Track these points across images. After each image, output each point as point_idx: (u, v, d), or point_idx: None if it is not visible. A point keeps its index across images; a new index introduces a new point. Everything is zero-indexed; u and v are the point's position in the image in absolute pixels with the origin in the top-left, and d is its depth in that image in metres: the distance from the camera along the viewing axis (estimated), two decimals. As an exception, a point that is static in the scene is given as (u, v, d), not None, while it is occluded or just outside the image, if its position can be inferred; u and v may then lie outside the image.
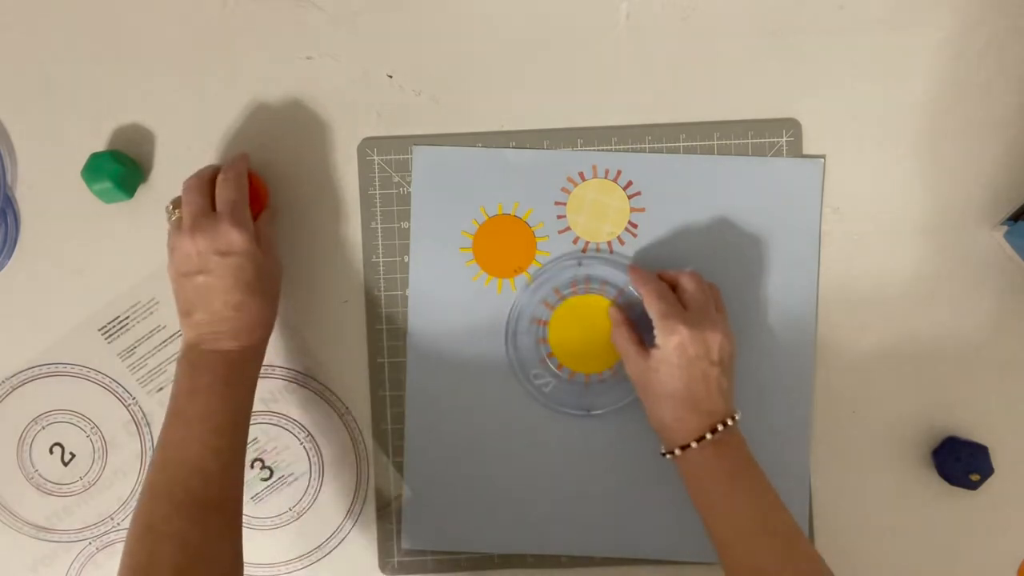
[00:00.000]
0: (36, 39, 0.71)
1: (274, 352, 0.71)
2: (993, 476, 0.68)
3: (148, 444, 0.72)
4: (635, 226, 0.70)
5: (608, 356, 0.70)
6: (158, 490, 0.58)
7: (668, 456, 0.63)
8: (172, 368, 0.71)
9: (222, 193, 0.64)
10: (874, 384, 0.70)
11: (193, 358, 0.62)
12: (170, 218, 0.66)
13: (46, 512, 0.72)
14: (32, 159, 0.71)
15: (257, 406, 0.71)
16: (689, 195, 0.69)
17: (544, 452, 0.70)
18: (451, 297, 0.70)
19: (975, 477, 0.67)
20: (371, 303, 0.71)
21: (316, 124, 0.71)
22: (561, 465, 0.70)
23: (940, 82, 0.69)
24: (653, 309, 0.63)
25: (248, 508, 0.72)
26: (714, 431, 0.61)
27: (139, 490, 0.60)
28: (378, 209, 0.71)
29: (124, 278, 0.71)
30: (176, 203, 0.65)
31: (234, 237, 0.61)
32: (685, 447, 0.61)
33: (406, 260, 0.71)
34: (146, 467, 0.72)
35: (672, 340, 0.61)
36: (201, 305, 0.62)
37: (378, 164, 0.71)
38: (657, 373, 0.62)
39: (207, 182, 0.65)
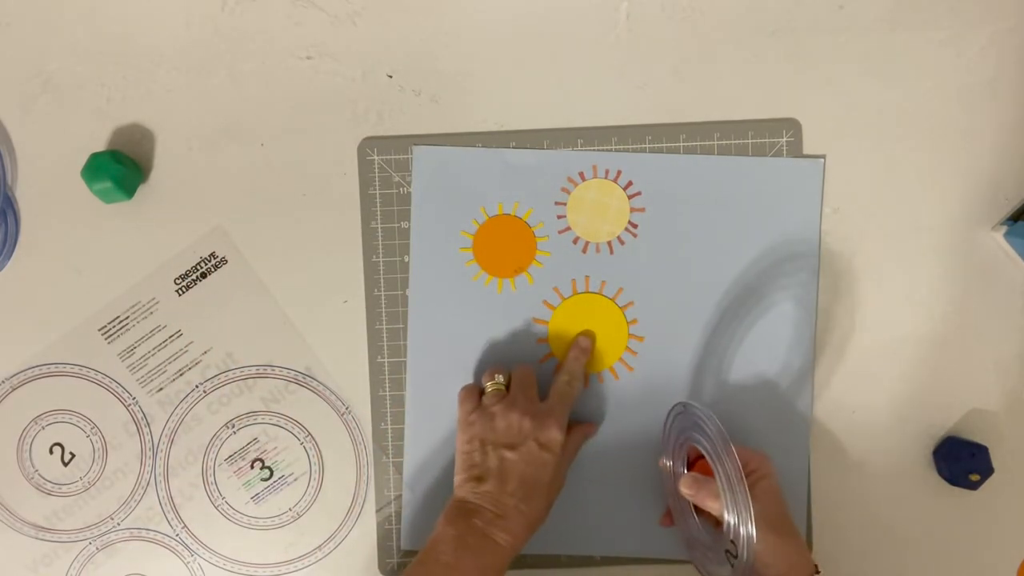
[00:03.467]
0: (36, 39, 0.71)
1: (274, 352, 0.71)
2: (993, 476, 0.68)
3: (148, 444, 0.72)
4: (635, 226, 0.70)
5: (608, 356, 0.70)
6: None
7: None
8: (172, 368, 0.71)
9: (563, 393, 0.66)
10: (874, 384, 0.70)
11: (464, 530, 0.61)
12: (492, 383, 0.66)
13: (46, 512, 0.72)
14: (32, 159, 0.71)
15: (257, 406, 0.71)
16: (689, 195, 0.70)
17: (544, 452, 0.70)
18: (451, 297, 0.70)
19: (975, 477, 0.67)
20: (371, 303, 0.71)
21: (316, 124, 0.71)
22: (561, 465, 0.70)
23: (940, 82, 0.69)
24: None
25: (248, 508, 0.72)
26: None
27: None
28: (378, 209, 0.71)
29: (124, 278, 0.71)
30: (501, 373, 0.67)
31: (555, 436, 0.63)
32: None
33: (406, 260, 0.71)
34: (146, 467, 0.72)
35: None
36: (497, 478, 0.62)
37: (378, 164, 0.71)
38: None
39: (537, 379, 0.67)
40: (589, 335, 0.69)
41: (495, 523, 0.61)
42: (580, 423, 0.69)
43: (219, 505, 0.72)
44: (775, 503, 0.62)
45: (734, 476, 0.56)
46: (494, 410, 0.64)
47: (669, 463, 0.66)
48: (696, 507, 0.64)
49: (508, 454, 0.62)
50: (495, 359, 0.70)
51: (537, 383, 0.67)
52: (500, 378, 0.66)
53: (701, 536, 0.64)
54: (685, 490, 0.61)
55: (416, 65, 0.71)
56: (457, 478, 0.64)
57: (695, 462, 0.65)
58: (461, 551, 0.60)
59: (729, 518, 0.57)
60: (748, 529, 0.55)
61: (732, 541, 0.57)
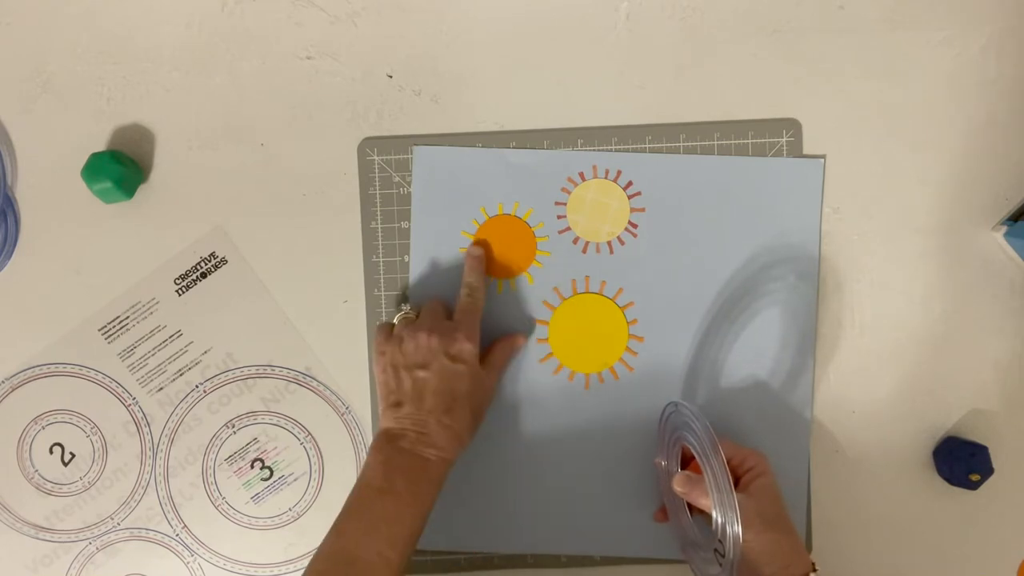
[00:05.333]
0: (36, 39, 0.71)
1: (274, 352, 0.71)
2: (993, 476, 0.68)
3: (148, 444, 0.72)
4: (635, 226, 0.70)
5: (608, 356, 0.70)
6: None
7: None
8: (172, 368, 0.71)
9: (465, 305, 0.66)
10: (874, 384, 0.70)
11: (390, 453, 0.62)
12: (400, 313, 0.68)
13: (46, 512, 0.72)
14: (32, 159, 0.71)
15: (257, 406, 0.71)
16: (689, 195, 0.69)
17: (544, 452, 0.70)
18: (451, 297, 0.70)
19: (975, 477, 0.67)
20: (371, 303, 0.71)
21: (316, 124, 0.71)
22: (561, 465, 0.70)
23: (940, 82, 0.69)
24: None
25: (248, 508, 0.72)
26: None
27: (311, 556, 0.60)
28: (378, 209, 0.71)
29: (124, 278, 0.71)
30: (410, 304, 0.68)
31: (465, 346, 0.64)
32: None
33: (406, 260, 0.71)
34: (146, 467, 0.72)
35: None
36: (413, 399, 0.63)
37: (378, 164, 0.71)
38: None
39: (447, 305, 0.68)
40: (481, 243, 0.70)
41: (420, 441, 0.62)
42: (507, 335, 0.69)
43: (219, 505, 0.72)
44: (771, 501, 0.62)
45: (721, 476, 0.57)
46: (402, 334, 0.65)
47: (663, 462, 0.66)
48: (691, 506, 0.64)
49: (420, 373, 0.63)
50: (495, 359, 0.69)
51: (449, 310, 0.67)
52: (407, 307, 0.68)
53: (694, 535, 0.65)
54: (678, 488, 0.62)
55: (416, 65, 0.71)
56: (379, 409, 0.65)
57: (690, 460, 0.65)
58: (391, 472, 0.61)
59: (717, 518, 0.57)
60: (735, 529, 0.55)
61: (720, 541, 0.57)
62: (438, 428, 0.62)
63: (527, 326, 0.70)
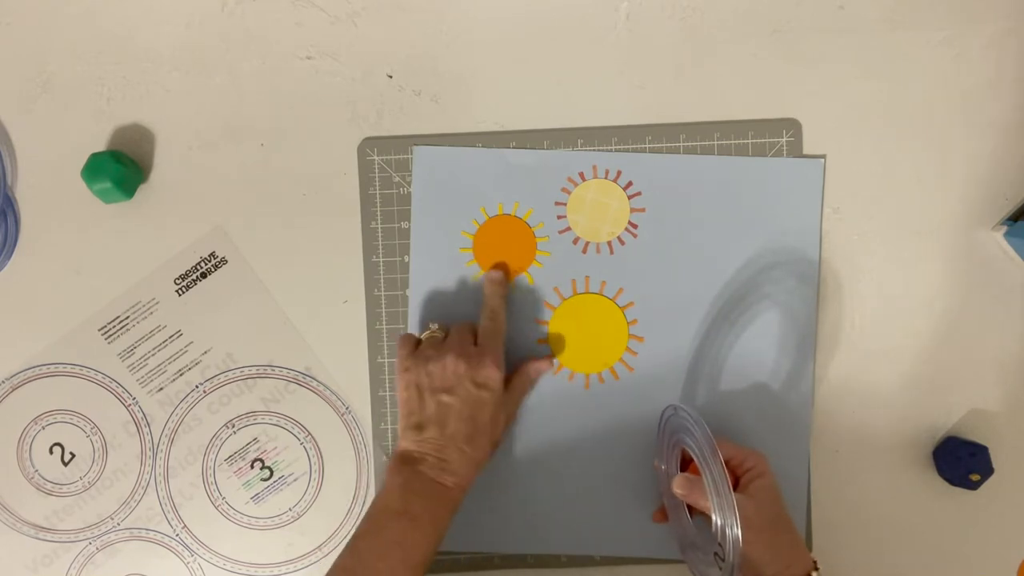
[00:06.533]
0: (36, 39, 0.71)
1: (274, 352, 0.71)
2: (993, 476, 0.68)
3: (148, 444, 0.72)
4: (635, 226, 0.70)
5: (608, 356, 0.70)
6: None
7: None
8: (172, 368, 0.71)
9: (488, 330, 0.66)
10: (874, 384, 0.70)
11: (409, 476, 0.62)
12: (427, 331, 0.67)
13: (46, 512, 0.72)
14: (32, 159, 0.71)
15: (257, 406, 0.71)
16: (689, 195, 0.69)
17: (544, 452, 0.70)
18: (451, 297, 0.70)
19: (975, 477, 0.67)
20: (371, 303, 0.71)
21: (316, 124, 0.71)
22: (561, 465, 0.70)
23: (940, 82, 0.69)
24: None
25: (248, 508, 0.72)
26: None
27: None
28: (378, 209, 0.71)
29: (124, 278, 0.71)
30: (438, 324, 0.67)
31: (491, 373, 0.63)
32: None
33: (406, 260, 0.71)
34: (146, 467, 0.72)
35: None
36: (436, 423, 0.62)
37: (378, 164, 0.71)
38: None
39: (475, 327, 0.67)
40: (500, 266, 0.69)
41: (440, 467, 0.62)
42: (533, 358, 0.69)
43: (219, 505, 0.72)
44: (771, 501, 0.62)
45: (719, 480, 0.57)
46: (428, 354, 0.64)
47: (663, 465, 0.66)
48: (691, 507, 0.64)
49: (445, 397, 0.63)
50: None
51: (476, 333, 0.67)
52: (435, 326, 0.67)
53: (694, 537, 0.65)
54: (678, 490, 0.62)
55: (416, 65, 0.71)
56: (399, 427, 0.65)
57: (690, 462, 0.65)
58: (409, 496, 0.61)
59: (716, 521, 0.57)
60: (734, 532, 0.55)
61: (720, 544, 0.57)
62: (458, 455, 0.62)
63: (529, 327, 0.70)
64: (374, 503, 0.62)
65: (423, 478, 0.61)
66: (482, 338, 0.66)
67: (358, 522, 0.71)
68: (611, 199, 0.70)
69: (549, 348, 0.70)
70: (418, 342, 0.67)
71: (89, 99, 0.71)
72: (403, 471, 0.62)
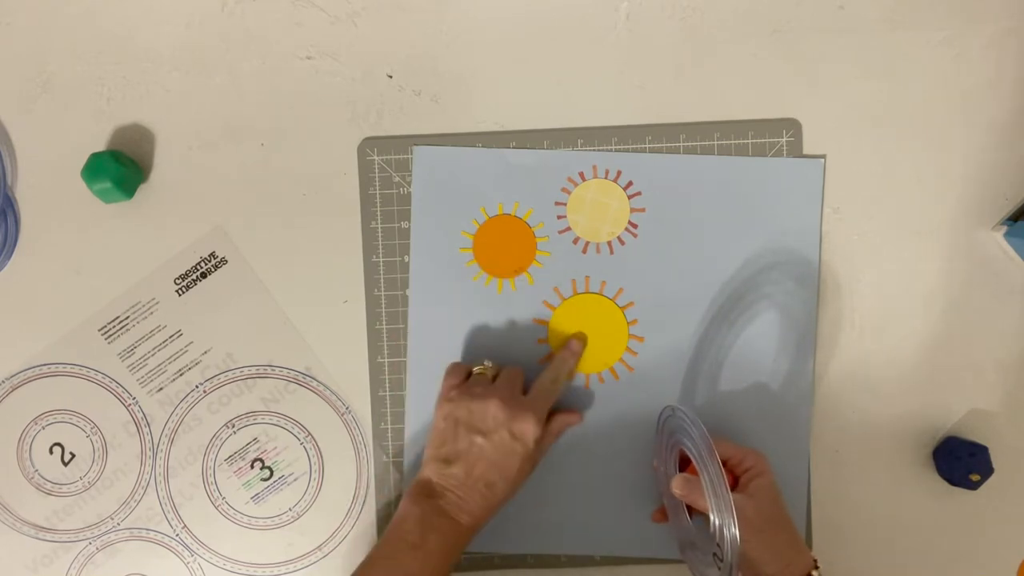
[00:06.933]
0: (36, 39, 0.71)
1: (274, 352, 0.71)
2: (993, 476, 0.68)
3: (148, 444, 0.72)
4: (635, 226, 0.70)
5: (608, 356, 0.70)
6: None
7: None
8: (172, 368, 0.71)
9: (544, 389, 0.66)
10: (874, 384, 0.70)
11: (428, 511, 0.62)
12: (479, 367, 0.67)
13: (46, 512, 0.72)
14: (32, 159, 0.71)
15: (257, 406, 0.71)
16: (689, 195, 0.70)
17: (544, 452, 0.70)
18: (451, 297, 0.70)
19: (975, 477, 0.67)
20: (371, 303, 0.71)
21: (316, 124, 0.71)
22: (561, 465, 0.70)
23: (940, 82, 0.69)
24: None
25: (248, 508, 0.72)
26: None
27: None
28: (378, 209, 0.71)
29: (124, 278, 0.71)
30: (492, 363, 0.68)
31: (530, 428, 0.63)
32: None
33: (406, 260, 0.71)
34: (146, 467, 0.72)
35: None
36: (464, 462, 0.63)
37: (378, 164, 0.71)
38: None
39: (526, 376, 0.67)
40: (581, 339, 0.69)
41: (459, 505, 0.62)
42: (563, 411, 0.69)
43: (219, 505, 0.72)
44: (770, 501, 0.62)
45: (717, 480, 0.57)
46: (475, 391, 0.64)
47: (662, 466, 0.66)
48: (691, 508, 0.64)
49: (479, 439, 0.63)
50: (495, 359, 0.69)
51: (524, 384, 0.67)
52: (489, 363, 0.67)
53: (693, 537, 0.65)
54: (677, 491, 0.62)
55: (416, 65, 0.71)
56: (427, 452, 0.65)
57: (690, 462, 0.65)
58: (427, 531, 0.61)
59: (714, 521, 0.57)
60: (731, 531, 0.55)
61: (719, 545, 0.57)
62: (479, 498, 0.62)
63: (529, 327, 0.70)
64: (391, 530, 0.62)
65: (442, 514, 0.62)
66: (534, 392, 0.66)
67: (356, 523, 0.71)
68: (611, 199, 0.70)
69: (549, 348, 0.70)
70: (468, 374, 0.67)
71: (89, 99, 0.71)
72: (422, 503, 0.62)
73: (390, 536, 0.62)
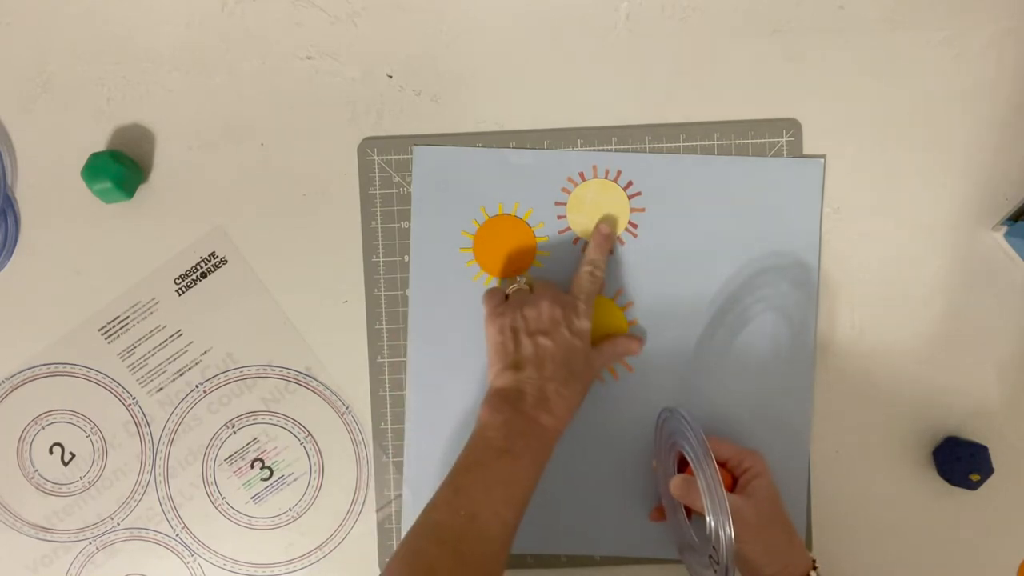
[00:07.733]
0: (36, 39, 0.71)
1: (274, 352, 0.71)
2: (993, 476, 0.68)
3: (148, 444, 0.72)
4: (635, 226, 0.70)
5: (608, 356, 0.70)
6: (443, 535, 0.57)
7: None
8: (172, 368, 0.71)
9: (585, 282, 0.66)
10: (874, 384, 0.70)
11: (510, 415, 0.61)
12: (513, 285, 0.67)
13: (46, 512, 0.72)
14: (32, 159, 0.71)
15: (257, 406, 0.71)
16: (689, 195, 0.69)
17: (544, 452, 0.70)
18: (451, 297, 0.70)
19: (975, 477, 0.67)
20: (371, 303, 0.71)
21: (316, 124, 0.71)
22: (561, 464, 0.70)
23: (940, 82, 0.69)
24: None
25: (248, 508, 0.72)
26: None
27: (419, 515, 0.58)
28: (378, 209, 0.71)
29: (124, 278, 0.71)
30: (525, 277, 0.68)
31: (584, 324, 0.64)
32: None
33: (406, 260, 0.71)
34: (146, 467, 0.72)
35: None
36: (534, 364, 0.62)
37: (378, 164, 0.71)
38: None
39: (558, 286, 0.67)
40: (608, 220, 0.69)
41: (539, 406, 0.61)
42: (625, 336, 0.69)
43: (219, 505, 0.72)
44: (769, 501, 0.62)
45: (713, 482, 0.57)
46: (522, 299, 0.65)
47: (661, 466, 0.66)
48: (690, 509, 0.64)
49: (543, 340, 0.63)
50: (495, 359, 0.69)
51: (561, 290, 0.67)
52: (522, 279, 0.68)
53: (691, 538, 0.65)
54: (675, 491, 0.62)
55: (416, 65, 0.71)
56: (492, 370, 0.65)
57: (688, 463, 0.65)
58: (512, 435, 0.60)
59: (710, 522, 0.57)
60: (727, 533, 0.55)
61: (715, 547, 0.57)
62: (556, 396, 0.62)
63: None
64: (474, 438, 0.61)
65: (524, 416, 0.61)
66: (576, 289, 0.66)
67: (356, 523, 0.71)
68: (611, 199, 0.70)
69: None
70: (505, 296, 0.67)
71: (89, 99, 0.71)
72: (503, 409, 0.61)
73: (474, 446, 0.61)
